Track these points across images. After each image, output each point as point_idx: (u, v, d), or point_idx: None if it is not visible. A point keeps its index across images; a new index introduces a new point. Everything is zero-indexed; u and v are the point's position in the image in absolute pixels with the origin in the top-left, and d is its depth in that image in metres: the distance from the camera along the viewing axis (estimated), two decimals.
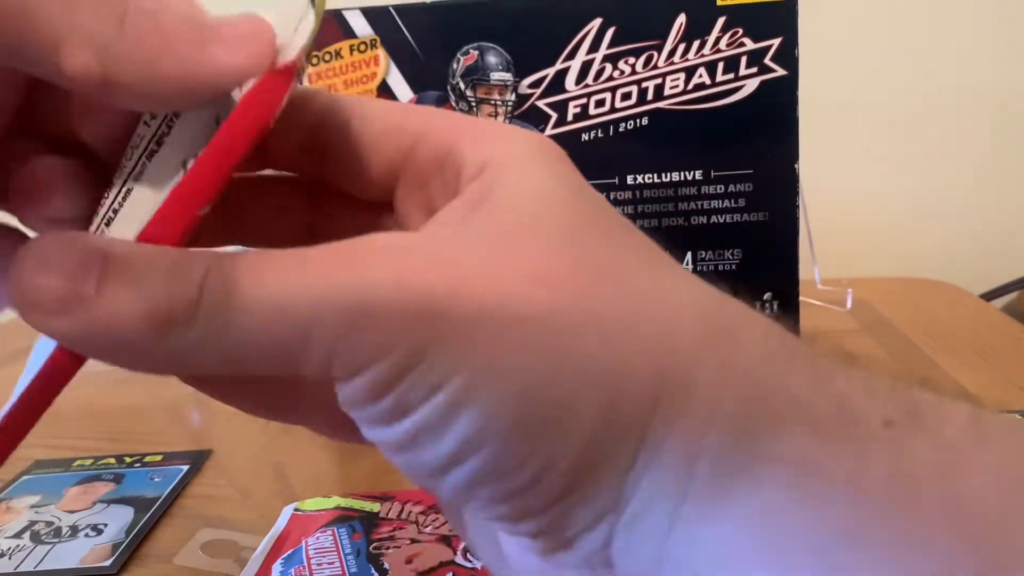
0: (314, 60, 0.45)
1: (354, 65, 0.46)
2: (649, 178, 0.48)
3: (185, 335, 0.14)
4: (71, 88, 0.15)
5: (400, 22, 0.45)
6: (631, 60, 0.46)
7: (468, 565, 0.31)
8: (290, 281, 0.15)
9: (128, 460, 0.46)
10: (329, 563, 0.32)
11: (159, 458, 0.47)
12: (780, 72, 0.46)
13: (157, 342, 0.14)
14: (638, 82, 0.46)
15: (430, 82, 0.46)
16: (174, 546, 0.37)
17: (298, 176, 0.21)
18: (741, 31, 0.45)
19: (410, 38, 0.46)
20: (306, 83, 0.45)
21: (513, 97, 0.47)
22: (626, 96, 0.47)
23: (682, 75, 0.46)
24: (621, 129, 0.47)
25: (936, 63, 0.80)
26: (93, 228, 0.17)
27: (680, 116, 0.47)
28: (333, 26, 0.45)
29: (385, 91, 0.46)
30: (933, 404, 0.15)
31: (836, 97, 0.77)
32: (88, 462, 0.46)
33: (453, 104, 0.46)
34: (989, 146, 0.81)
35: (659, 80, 0.46)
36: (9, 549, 0.37)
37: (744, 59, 0.46)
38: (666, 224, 0.48)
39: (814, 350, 0.17)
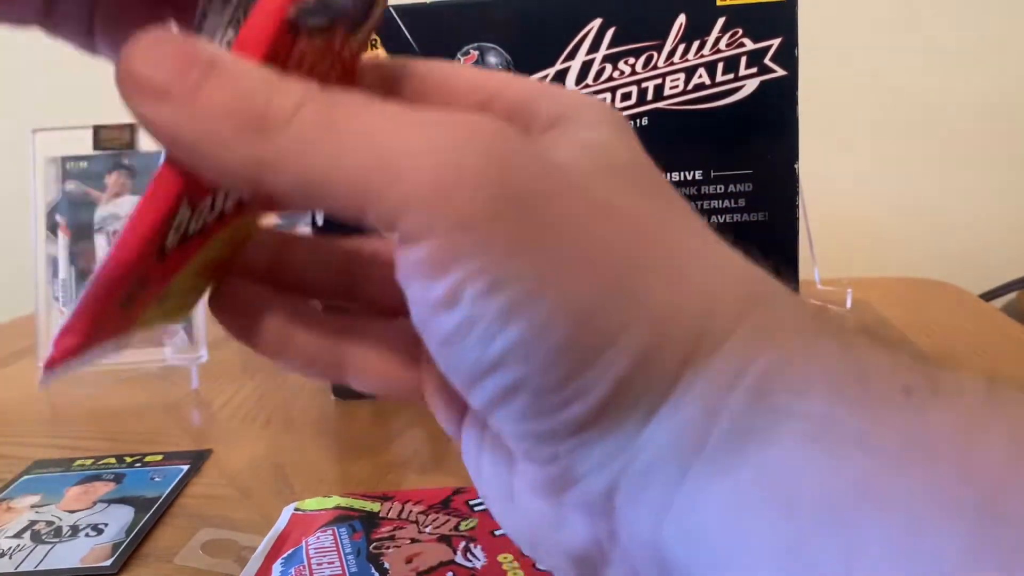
0: None
1: None
2: None
3: (273, 142, 0.15)
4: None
5: (400, 22, 0.46)
6: (631, 60, 0.46)
7: (468, 565, 0.31)
8: (388, 124, 0.15)
9: (128, 460, 0.47)
10: (329, 563, 0.32)
11: (159, 458, 0.47)
12: (780, 72, 0.46)
13: (244, 143, 0.15)
14: (638, 82, 0.46)
15: None
16: (174, 546, 0.37)
17: None
18: (741, 31, 0.45)
19: (410, 38, 0.46)
20: None
21: None
22: (626, 96, 0.47)
23: (682, 75, 0.46)
24: None
25: (936, 63, 0.80)
26: None
27: (680, 116, 0.47)
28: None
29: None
30: (951, 377, 0.16)
31: (836, 97, 0.77)
32: (88, 462, 0.47)
33: None
34: (989, 146, 0.81)
35: (659, 80, 0.46)
36: (10, 549, 0.37)
37: (744, 59, 0.46)
38: None
39: (841, 325, 0.17)
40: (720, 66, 0.46)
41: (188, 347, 0.58)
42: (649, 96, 0.47)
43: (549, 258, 0.15)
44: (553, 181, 0.16)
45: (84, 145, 0.60)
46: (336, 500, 0.38)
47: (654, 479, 0.16)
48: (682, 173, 0.48)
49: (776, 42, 0.46)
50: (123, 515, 0.40)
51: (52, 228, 0.60)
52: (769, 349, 0.16)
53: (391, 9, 0.45)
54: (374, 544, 0.33)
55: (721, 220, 0.48)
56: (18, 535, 0.39)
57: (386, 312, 0.22)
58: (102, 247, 0.59)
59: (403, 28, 0.45)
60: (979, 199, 0.83)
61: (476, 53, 0.46)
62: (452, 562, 0.32)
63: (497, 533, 0.33)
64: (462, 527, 0.34)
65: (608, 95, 0.47)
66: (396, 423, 0.49)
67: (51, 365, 0.17)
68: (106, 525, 0.39)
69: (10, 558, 0.36)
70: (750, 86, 0.46)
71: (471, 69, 0.21)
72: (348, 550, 0.33)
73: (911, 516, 0.13)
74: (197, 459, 0.46)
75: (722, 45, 0.46)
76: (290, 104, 0.15)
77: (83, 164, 0.60)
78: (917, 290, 0.73)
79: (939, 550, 0.13)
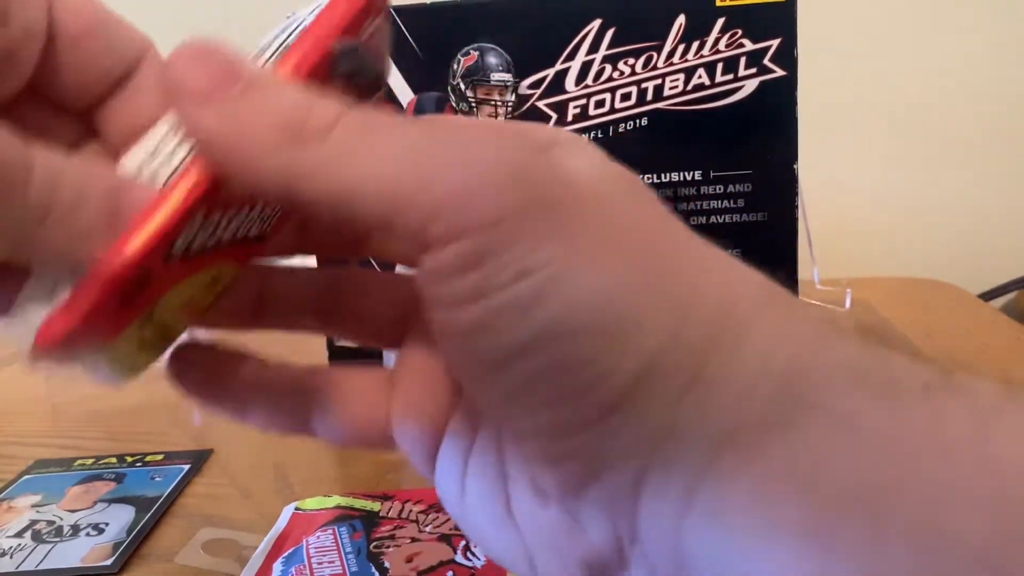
0: None
1: None
2: (648, 178, 0.48)
3: (310, 152, 0.15)
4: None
5: (400, 22, 0.46)
6: (631, 61, 0.46)
7: (468, 564, 0.32)
8: (419, 137, 0.16)
9: (129, 459, 0.47)
10: (330, 562, 0.32)
11: (160, 457, 0.47)
12: (779, 73, 0.46)
13: (282, 151, 0.15)
14: (638, 83, 0.46)
15: (430, 82, 0.46)
16: (175, 545, 0.37)
17: None
18: (740, 32, 0.45)
19: (410, 38, 0.46)
20: None
21: (513, 98, 0.47)
22: (626, 97, 0.47)
23: (681, 76, 0.46)
24: (621, 130, 0.47)
25: (936, 63, 0.80)
26: None
27: (679, 117, 0.47)
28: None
29: (385, 92, 0.46)
30: (968, 377, 0.16)
31: (835, 97, 0.77)
32: (89, 461, 0.47)
33: (453, 105, 0.46)
34: (989, 146, 0.82)
35: (659, 81, 0.46)
36: (11, 548, 0.37)
37: (743, 60, 0.46)
38: None
39: (851, 328, 0.18)
40: (720, 66, 0.46)
41: None
42: (649, 96, 0.47)
43: (575, 246, 0.16)
44: (571, 183, 0.16)
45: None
46: (336, 500, 0.38)
47: (683, 466, 0.16)
48: (681, 173, 0.48)
49: (775, 42, 0.46)
50: (124, 515, 0.40)
51: None
52: (792, 345, 0.16)
53: (391, 9, 0.46)
54: (374, 543, 0.33)
55: (721, 220, 0.48)
56: (19, 534, 0.39)
57: (363, 336, 0.23)
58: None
59: (403, 28, 0.46)
60: (979, 199, 0.83)
61: (476, 53, 0.46)
62: (452, 561, 0.32)
63: None
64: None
65: (608, 95, 0.47)
66: None
67: (41, 342, 0.17)
68: (107, 525, 0.39)
69: (11, 557, 0.37)
70: (749, 86, 0.46)
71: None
72: (348, 549, 0.33)
73: (934, 506, 0.14)
74: (198, 459, 0.46)
75: (722, 45, 0.46)
76: (329, 117, 0.16)
77: None
78: (917, 290, 0.73)
79: (960, 538, 0.14)
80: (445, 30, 0.46)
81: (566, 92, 0.47)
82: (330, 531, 0.34)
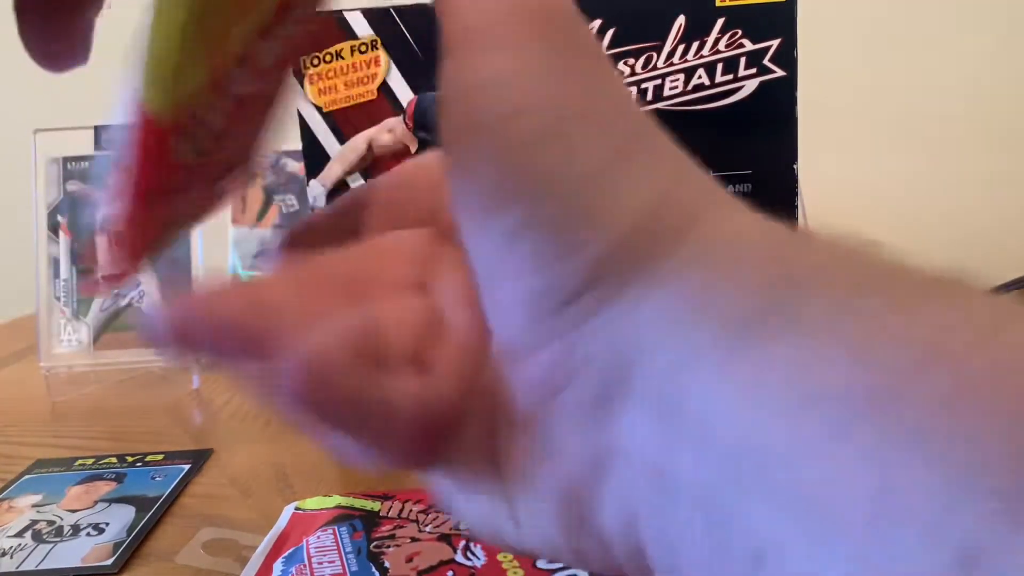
0: (315, 61, 0.45)
1: (355, 66, 0.46)
2: None
3: None
4: None
5: (400, 22, 0.46)
6: (630, 61, 0.46)
7: (468, 564, 0.32)
8: None
9: (129, 459, 0.47)
10: (330, 562, 0.32)
11: (160, 457, 0.47)
12: (779, 73, 0.46)
13: None
14: (637, 83, 0.46)
15: (430, 82, 0.46)
16: (175, 545, 0.37)
17: None
18: (740, 32, 0.45)
19: (410, 38, 0.46)
20: (307, 86, 0.45)
21: None
22: None
23: (681, 76, 0.46)
24: None
25: (935, 63, 0.80)
26: None
27: (679, 117, 0.47)
28: (334, 27, 0.46)
29: (385, 91, 0.46)
30: (961, 277, 0.15)
31: (835, 98, 0.77)
32: (89, 461, 0.47)
33: None
34: (989, 146, 0.82)
35: (658, 81, 0.46)
36: (11, 548, 0.37)
37: (743, 60, 0.46)
38: None
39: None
40: (719, 67, 0.46)
41: None
42: (648, 97, 0.47)
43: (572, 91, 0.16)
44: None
45: (85, 145, 0.60)
46: (336, 499, 0.38)
47: (663, 358, 0.15)
48: None
49: (775, 43, 0.46)
50: (124, 514, 0.40)
51: (53, 228, 0.60)
52: (782, 229, 0.16)
53: (391, 9, 0.46)
54: (374, 543, 0.33)
55: None
56: (19, 534, 0.39)
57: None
58: (103, 247, 0.59)
59: (403, 28, 0.46)
60: (979, 199, 0.83)
61: None
62: (452, 561, 0.32)
63: None
64: (462, 526, 0.34)
65: None
66: None
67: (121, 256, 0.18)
68: (107, 524, 0.39)
69: (11, 557, 0.37)
70: (749, 87, 0.46)
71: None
72: (348, 549, 0.33)
73: (947, 412, 0.12)
74: (198, 459, 0.46)
75: (721, 46, 0.46)
76: None
77: (84, 164, 0.60)
78: None
79: (977, 445, 0.12)
80: None
81: None
82: (330, 531, 0.34)
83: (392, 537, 0.34)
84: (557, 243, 0.16)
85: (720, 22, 0.45)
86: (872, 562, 0.12)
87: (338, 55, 0.46)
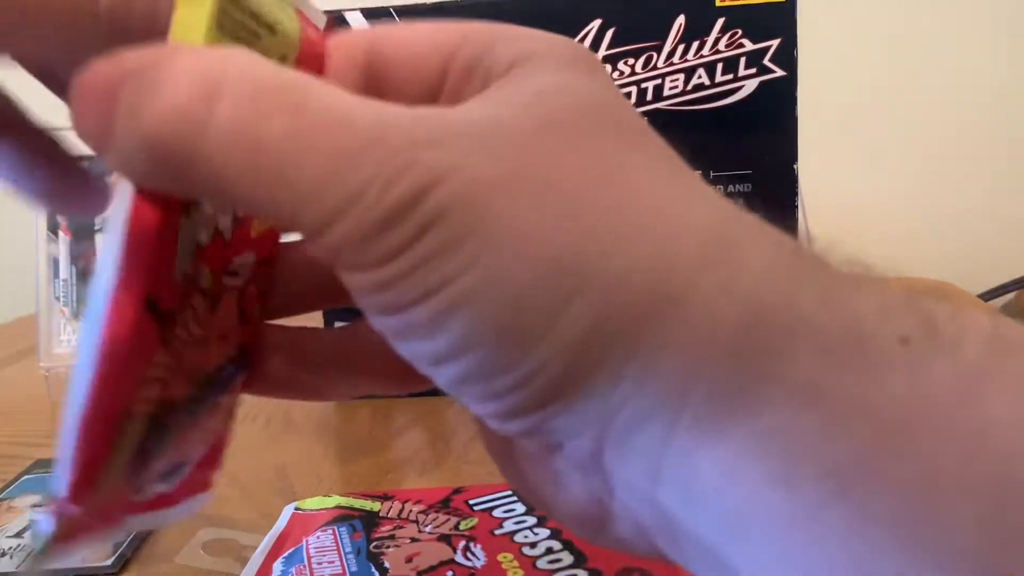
0: None
1: None
2: None
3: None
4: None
5: (400, 22, 0.46)
6: (630, 61, 0.46)
7: (468, 564, 0.32)
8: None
9: None
10: (330, 562, 0.32)
11: None
12: (779, 73, 0.46)
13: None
14: (637, 83, 0.46)
15: None
16: (175, 545, 0.37)
17: None
18: (740, 32, 0.45)
19: None
20: None
21: None
22: (625, 97, 0.47)
23: (681, 76, 0.46)
24: None
25: (935, 63, 0.80)
26: None
27: (679, 117, 0.47)
28: (334, 27, 0.45)
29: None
30: (950, 317, 0.14)
31: (835, 98, 0.77)
32: None
33: None
34: (989, 146, 0.82)
35: (658, 81, 0.46)
36: (11, 548, 0.37)
37: (743, 60, 0.46)
38: None
39: (824, 262, 0.16)
40: (719, 66, 0.46)
41: None
42: (648, 96, 0.47)
43: (476, 253, 0.14)
44: (471, 170, 0.15)
45: (86, 145, 0.60)
46: (336, 499, 0.38)
47: (639, 438, 0.15)
48: None
49: (775, 43, 0.46)
50: None
51: (53, 228, 0.60)
52: (740, 305, 0.14)
53: (391, 9, 0.46)
54: (374, 543, 0.33)
55: None
56: (19, 534, 0.39)
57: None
58: (103, 247, 0.59)
59: None
60: (979, 199, 0.83)
61: None
62: (452, 561, 0.32)
63: (496, 532, 0.33)
64: (462, 526, 0.34)
65: None
66: (396, 423, 0.50)
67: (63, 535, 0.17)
68: None
69: (11, 558, 0.37)
70: (749, 86, 0.46)
71: (429, 28, 0.20)
72: (348, 549, 0.33)
73: (920, 493, 0.13)
74: None
75: (721, 46, 0.46)
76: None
77: (84, 164, 0.60)
78: (917, 290, 0.73)
79: (952, 531, 0.12)
80: None
81: None
82: (330, 531, 0.34)
83: (392, 537, 0.34)
84: (503, 380, 0.15)
85: (720, 22, 0.45)
86: None
87: None
